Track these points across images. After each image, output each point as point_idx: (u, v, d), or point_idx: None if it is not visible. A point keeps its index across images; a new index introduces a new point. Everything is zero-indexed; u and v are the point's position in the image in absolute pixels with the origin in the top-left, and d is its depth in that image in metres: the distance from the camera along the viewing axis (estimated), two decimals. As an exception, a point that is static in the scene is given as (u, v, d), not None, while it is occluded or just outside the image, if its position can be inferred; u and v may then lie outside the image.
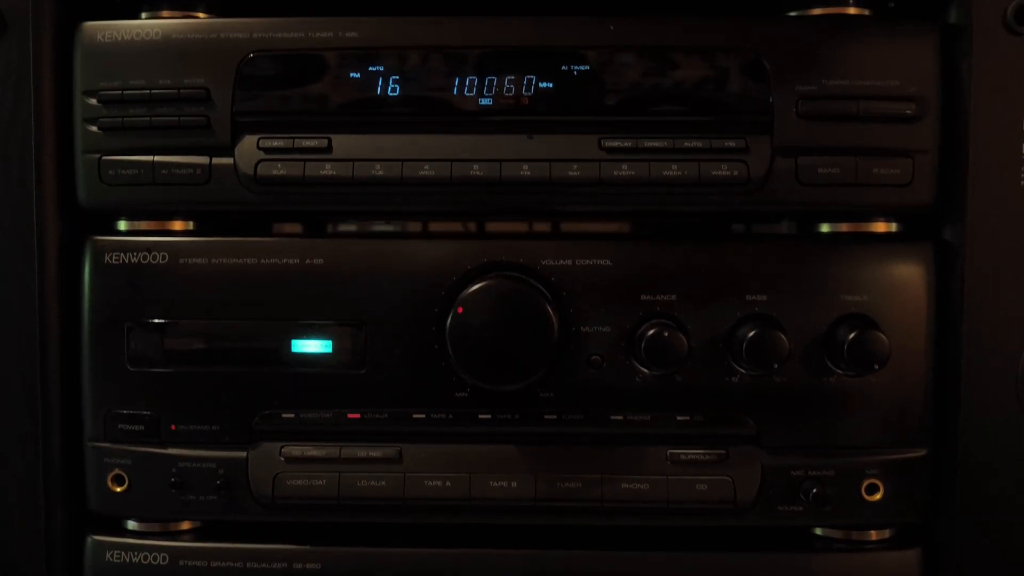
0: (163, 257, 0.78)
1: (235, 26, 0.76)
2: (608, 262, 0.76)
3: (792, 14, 0.79)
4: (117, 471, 0.78)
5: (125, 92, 0.76)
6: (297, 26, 0.76)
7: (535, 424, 0.77)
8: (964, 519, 0.76)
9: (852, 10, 0.78)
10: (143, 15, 0.80)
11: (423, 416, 0.77)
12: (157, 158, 0.76)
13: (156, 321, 0.77)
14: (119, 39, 0.77)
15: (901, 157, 0.75)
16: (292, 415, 0.78)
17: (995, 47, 0.74)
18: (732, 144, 0.74)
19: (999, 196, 0.75)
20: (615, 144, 0.75)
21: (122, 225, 0.80)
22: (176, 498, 0.78)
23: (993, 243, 0.75)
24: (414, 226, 0.99)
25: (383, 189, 0.75)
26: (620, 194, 0.75)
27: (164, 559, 0.79)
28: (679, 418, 0.77)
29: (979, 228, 0.75)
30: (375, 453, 0.77)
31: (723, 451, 0.77)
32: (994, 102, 0.74)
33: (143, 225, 0.80)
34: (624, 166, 0.74)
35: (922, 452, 0.77)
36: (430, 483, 0.77)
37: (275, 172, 0.75)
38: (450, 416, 0.77)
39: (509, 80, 0.75)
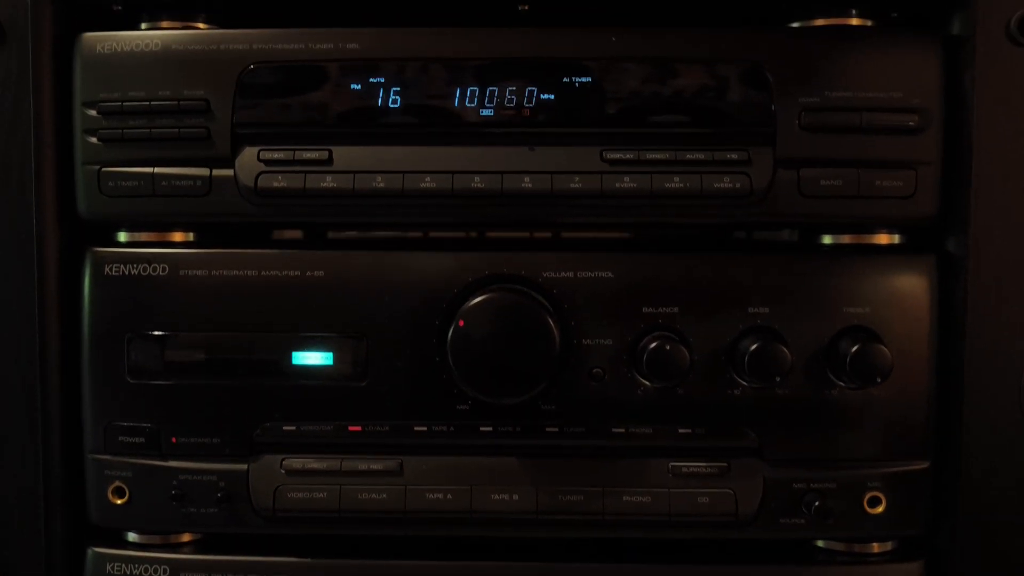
0: (163, 269, 0.77)
1: (235, 37, 0.76)
2: (610, 274, 0.76)
3: (794, 25, 0.79)
4: (118, 483, 0.78)
5: (125, 103, 0.76)
6: (298, 37, 0.76)
7: (536, 437, 0.77)
8: (967, 532, 0.76)
9: (854, 21, 0.77)
10: (143, 25, 0.80)
11: (424, 428, 0.77)
12: (157, 170, 0.76)
13: (156, 333, 0.77)
14: (119, 50, 0.76)
15: (904, 169, 0.74)
16: (293, 427, 0.77)
17: (998, 58, 0.74)
18: (734, 156, 0.74)
19: (1002, 208, 0.74)
20: (617, 156, 0.74)
21: (122, 236, 0.80)
22: (177, 510, 0.78)
23: (996, 255, 0.75)
24: (415, 236, 0.99)
25: (384, 201, 0.75)
26: (622, 206, 0.75)
27: (165, 571, 0.78)
28: (681, 430, 0.77)
29: (982, 240, 0.75)
30: (376, 466, 0.77)
31: (725, 464, 0.76)
32: (997, 113, 0.74)
33: (143, 236, 0.80)
34: (626, 178, 0.74)
35: (925, 464, 0.77)
36: (431, 496, 0.76)
37: (276, 184, 0.75)
38: (451, 428, 0.77)
39: (510, 91, 0.75)
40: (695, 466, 0.76)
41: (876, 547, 0.79)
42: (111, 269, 0.78)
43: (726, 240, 0.84)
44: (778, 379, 0.74)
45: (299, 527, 0.78)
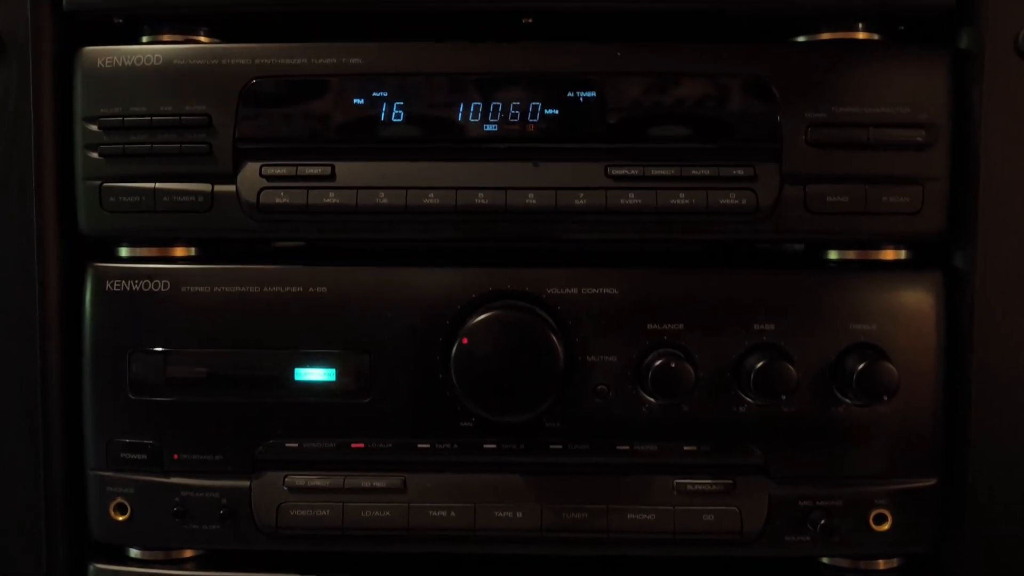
0: (165, 284, 0.77)
1: (237, 52, 0.75)
2: (614, 291, 0.75)
3: (800, 39, 0.78)
4: (119, 500, 0.78)
5: (126, 118, 0.75)
6: (300, 52, 0.75)
7: (541, 454, 0.76)
8: (973, 549, 0.76)
9: (861, 35, 0.77)
10: (144, 39, 0.79)
11: (428, 446, 0.77)
12: (159, 185, 0.76)
13: (158, 349, 0.77)
14: (120, 64, 0.76)
15: (911, 184, 0.74)
16: (296, 444, 0.77)
17: (1006, 73, 0.73)
18: (740, 172, 0.73)
19: (1010, 223, 0.74)
20: (622, 172, 0.74)
21: (124, 252, 0.79)
22: (179, 527, 0.77)
23: (1004, 271, 0.74)
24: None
25: (387, 217, 0.74)
26: (627, 223, 0.74)
27: (166, 587, 0.78)
28: (686, 448, 0.76)
29: (990, 256, 0.74)
30: (379, 483, 0.76)
31: (730, 481, 0.76)
32: (1005, 128, 0.73)
33: (145, 251, 0.79)
34: (631, 194, 0.73)
35: (931, 482, 0.76)
36: (435, 513, 0.76)
37: (278, 200, 0.75)
38: (455, 446, 0.77)
39: (514, 106, 0.75)
40: (700, 483, 0.76)
41: (882, 564, 0.79)
42: (113, 285, 0.77)
43: (731, 256, 0.83)
44: (784, 397, 0.73)
45: (302, 544, 0.77)
